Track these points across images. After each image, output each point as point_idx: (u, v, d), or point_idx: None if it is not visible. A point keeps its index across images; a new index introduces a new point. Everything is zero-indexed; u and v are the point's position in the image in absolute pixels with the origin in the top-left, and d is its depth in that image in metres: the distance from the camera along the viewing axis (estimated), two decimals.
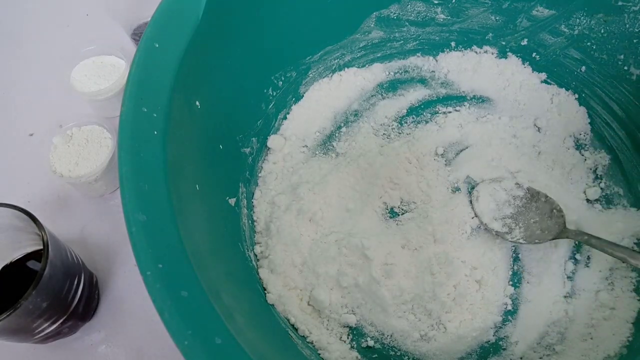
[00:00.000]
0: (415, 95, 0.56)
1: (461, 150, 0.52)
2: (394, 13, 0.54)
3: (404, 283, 0.43)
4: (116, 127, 0.32)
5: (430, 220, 0.46)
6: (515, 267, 0.47)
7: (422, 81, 0.57)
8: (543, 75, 0.55)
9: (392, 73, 0.58)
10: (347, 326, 0.44)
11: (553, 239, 0.45)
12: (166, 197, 0.30)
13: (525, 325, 0.44)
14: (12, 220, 0.39)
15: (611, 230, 0.47)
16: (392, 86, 0.57)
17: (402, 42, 0.57)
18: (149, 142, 0.31)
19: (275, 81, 0.51)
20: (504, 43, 0.55)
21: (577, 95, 0.54)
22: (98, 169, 0.49)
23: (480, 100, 0.56)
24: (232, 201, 0.45)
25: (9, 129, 0.59)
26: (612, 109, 0.51)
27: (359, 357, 0.42)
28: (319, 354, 0.41)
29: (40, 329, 0.39)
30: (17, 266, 0.43)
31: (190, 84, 0.37)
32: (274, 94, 0.51)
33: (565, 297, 0.45)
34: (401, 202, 0.49)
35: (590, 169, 0.51)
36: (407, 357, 0.43)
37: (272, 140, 0.51)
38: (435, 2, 0.53)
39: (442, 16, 0.55)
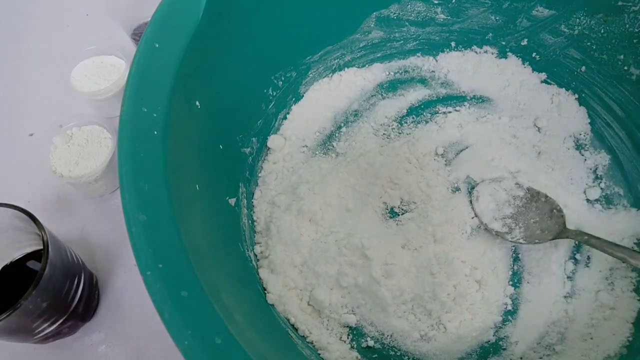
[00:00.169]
0: (415, 95, 0.56)
1: (461, 150, 0.52)
2: (394, 13, 0.54)
3: (404, 283, 0.43)
4: (116, 127, 0.32)
5: (430, 220, 0.46)
6: (515, 267, 0.47)
7: (422, 81, 0.57)
8: (543, 75, 0.55)
9: (392, 73, 0.58)
10: (347, 326, 0.44)
11: (553, 239, 0.45)
12: (166, 197, 0.30)
13: (525, 325, 0.44)
14: (12, 220, 0.39)
15: (611, 230, 0.47)
16: (392, 86, 0.57)
17: (402, 42, 0.57)
18: (149, 142, 0.31)
19: (275, 81, 0.51)
20: (504, 43, 0.55)
21: (577, 95, 0.54)
22: (98, 169, 0.49)
23: (480, 100, 0.56)
24: (232, 201, 0.45)
25: (9, 128, 0.59)
26: (612, 109, 0.51)
27: (359, 357, 0.42)
28: (319, 354, 0.41)
29: (40, 329, 0.39)
30: (17, 266, 0.43)
31: (190, 84, 0.37)
32: (274, 94, 0.51)
33: (565, 297, 0.45)
34: (401, 202, 0.49)
35: (591, 169, 0.51)
36: (407, 357, 0.43)
37: (272, 140, 0.51)
38: (435, 2, 0.53)
39: (442, 16, 0.55)
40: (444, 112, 0.55)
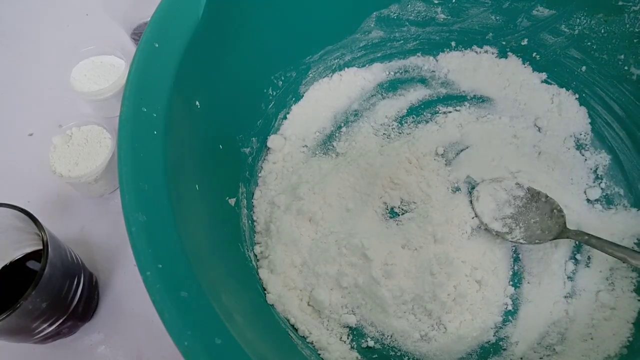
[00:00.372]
0: (415, 95, 0.56)
1: (461, 150, 0.52)
2: (394, 13, 0.54)
3: (404, 283, 0.43)
4: (116, 127, 0.32)
5: (430, 220, 0.46)
6: (516, 267, 0.47)
7: (422, 81, 0.57)
8: (543, 75, 0.55)
9: (392, 73, 0.58)
10: (347, 326, 0.44)
11: (553, 239, 0.45)
12: (166, 197, 0.30)
13: (526, 325, 0.44)
14: (12, 220, 0.39)
15: (611, 231, 0.47)
16: (392, 86, 0.57)
17: (402, 41, 0.57)
18: (149, 142, 0.31)
19: (275, 81, 0.51)
20: (504, 43, 0.55)
21: (577, 95, 0.54)
22: (98, 169, 0.49)
23: (481, 100, 0.56)
24: (232, 201, 0.44)
25: (9, 128, 0.59)
26: (613, 109, 0.51)
27: (359, 357, 0.42)
28: (319, 354, 0.41)
29: (39, 329, 0.39)
30: (17, 266, 0.43)
31: (190, 84, 0.37)
32: (274, 94, 0.51)
33: (565, 297, 0.45)
34: (401, 202, 0.49)
35: (591, 169, 0.51)
36: (407, 358, 0.43)
37: (272, 140, 0.51)
38: (436, 1, 0.53)
39: (442, 16, 0.54)
40: (444, 112, 0.55)
